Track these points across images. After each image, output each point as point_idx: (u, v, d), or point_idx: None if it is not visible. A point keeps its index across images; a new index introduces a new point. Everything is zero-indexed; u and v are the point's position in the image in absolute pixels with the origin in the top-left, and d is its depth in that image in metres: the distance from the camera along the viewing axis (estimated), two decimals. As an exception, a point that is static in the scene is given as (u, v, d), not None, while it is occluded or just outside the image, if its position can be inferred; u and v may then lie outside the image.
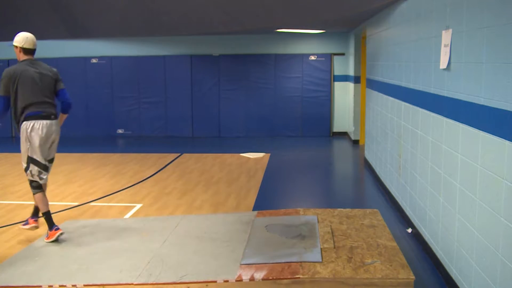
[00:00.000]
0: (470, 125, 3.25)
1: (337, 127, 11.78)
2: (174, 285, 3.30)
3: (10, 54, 11.76)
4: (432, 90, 4.14)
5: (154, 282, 3.33)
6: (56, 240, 4.22)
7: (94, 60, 11.95)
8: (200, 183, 7.12)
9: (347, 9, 6.70)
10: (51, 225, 4.29)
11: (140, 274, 3.44)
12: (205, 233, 4.20)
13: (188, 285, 3.29)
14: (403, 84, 5.30)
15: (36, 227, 4.56)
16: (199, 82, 11.83)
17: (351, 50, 10.75)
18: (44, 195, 4.38)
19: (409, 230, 4.90)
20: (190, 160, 8.92)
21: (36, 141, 4.23)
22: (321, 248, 3.68)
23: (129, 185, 7.04)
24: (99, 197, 6.40)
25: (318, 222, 4.28)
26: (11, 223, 5.29)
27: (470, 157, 3.25)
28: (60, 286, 3.36)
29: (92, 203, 6.11)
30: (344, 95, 11.62)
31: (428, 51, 4.29)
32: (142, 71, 11.87)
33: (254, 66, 11.64)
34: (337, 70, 11.70)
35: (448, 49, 3.67)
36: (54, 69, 4.49)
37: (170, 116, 11.95)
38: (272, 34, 11.02)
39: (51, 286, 3.36)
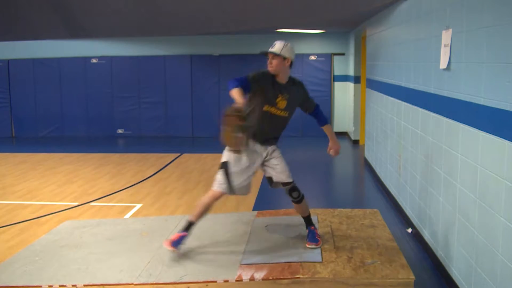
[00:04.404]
0: (470, 125, 3.24)
1: (337, 127, 11.77)
2: (174, 285, 3.30)
3: (10, 54, 11.81)
4: (432, 90, 4.14)
5: (154, 282, 3.32)
6: None
7: (94, 60, 11.95)
8: (200, 183, 7.12)
9: (347, 9, 6.69)
10: None
11: (140, 274, 3.44)
12: (205, 233, 4.20)
13: (188, 285, 3.29)
14: (403, 84, 5.30)
15: None
16: (199, 82, 11.82)
17: (351, 50, 10.75)
18: None
19: (409, 230, 4.89)
20: (190, 160, 8.92)
21: None
22: (321, 248, 3.68)
23: (129, 185, 7.04)
24: (99, 197, 6.40)
25: (318, 222, 4.28)
26: (11, 223, 5.29)
27: (470, 157, 3.25)
28: (60, 286, 3.36)
29: (92, 203, 6.11)
30: (344, 95, 11.61)
31: (428, 51, 4.29)
32: (142, 71, 11.86)
33: (254, 66, 11.53)
34: (337, 70, 11.69)
35: (448, 49, 3.67)
36: None
37: (170, 116, 11.95)
38: (272, 34, 11.01)
39: (51, 286, 3.36)
